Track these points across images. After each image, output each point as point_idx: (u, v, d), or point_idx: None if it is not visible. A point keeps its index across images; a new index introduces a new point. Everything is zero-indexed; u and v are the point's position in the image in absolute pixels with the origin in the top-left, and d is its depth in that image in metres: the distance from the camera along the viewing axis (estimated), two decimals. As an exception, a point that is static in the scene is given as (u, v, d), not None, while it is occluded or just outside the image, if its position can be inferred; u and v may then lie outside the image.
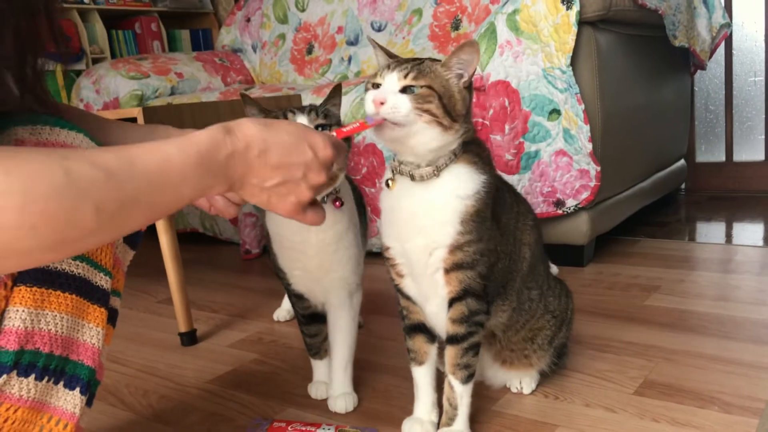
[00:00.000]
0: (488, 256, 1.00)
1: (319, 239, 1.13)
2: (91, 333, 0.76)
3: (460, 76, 0.96)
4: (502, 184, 1.08)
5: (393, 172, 1.00)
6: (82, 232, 0.58)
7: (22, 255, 0.56)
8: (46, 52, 0.78)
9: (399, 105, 0.91)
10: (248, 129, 0.73)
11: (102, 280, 0.77)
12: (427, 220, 0.98)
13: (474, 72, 0.97)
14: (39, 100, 0.77)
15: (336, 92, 1.15)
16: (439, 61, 0.97)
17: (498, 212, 1.03)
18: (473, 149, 1.00)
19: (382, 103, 0.90)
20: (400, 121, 0.91)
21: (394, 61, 0.97)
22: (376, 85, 0.95)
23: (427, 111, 0.92)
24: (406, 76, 0.92)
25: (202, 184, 0.68)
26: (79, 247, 0.60)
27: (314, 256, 1.15)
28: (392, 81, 0.93)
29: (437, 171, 0.97)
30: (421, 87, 0.92)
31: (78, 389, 0.75)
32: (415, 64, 0.94)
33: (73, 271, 0.73)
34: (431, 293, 1.03)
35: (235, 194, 0.78)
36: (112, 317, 0.85)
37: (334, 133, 0.88)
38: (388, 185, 1.01)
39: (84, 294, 0.75)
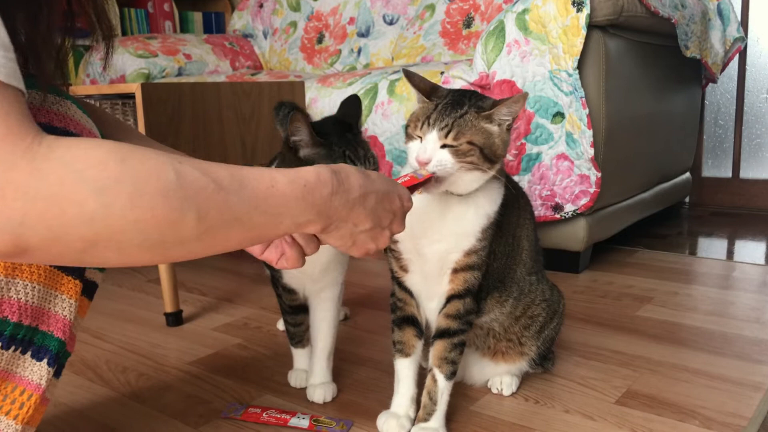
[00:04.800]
0: (488, 257, 1.04)
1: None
2: (63, 304, 0.75)
3: (504, 122, 0.96)
4: (508, 182, 1.08)
5: None
6: (180, 237, 0.58)
7: (119, 248, 0.56)
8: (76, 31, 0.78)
9: (443, 161, 0.93)
10: (351, 172, 0.74)
11: (77, 252, 0.76)
12: (453, 229, 1.01)
13: (517, 116, 0.98)
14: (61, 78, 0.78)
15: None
16: (482, 104, 0.96)
17: (503, 215, 1.05)
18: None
19: (426, 163, 0.92)
20: (446, 174, 0.93)
21: (437, 111, 0.95)
22: (417, 136, 0.96)
23: (469, 162, 0.93)
24: (446, 135, 0.93)
25: (303, 218, 0.68)
26: (173, 254, 0.60)
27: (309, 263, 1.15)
28: (433, 139, 0.93)
29: (474, 190, 1.00)
30: (461, 144, 0.93)
31: (45, 360, 0.74)
32: (456, 120, 0.94)
33: (46, 240, 0.72)
34: (436, 291, 1.05)
35: (309, 244, 0.80)
36: (88, 289, 0.84)
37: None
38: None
39: (58, 265, 0.74)
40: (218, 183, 0.60)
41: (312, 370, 1.20)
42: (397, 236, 1.04)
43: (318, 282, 1.18)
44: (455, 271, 1.02)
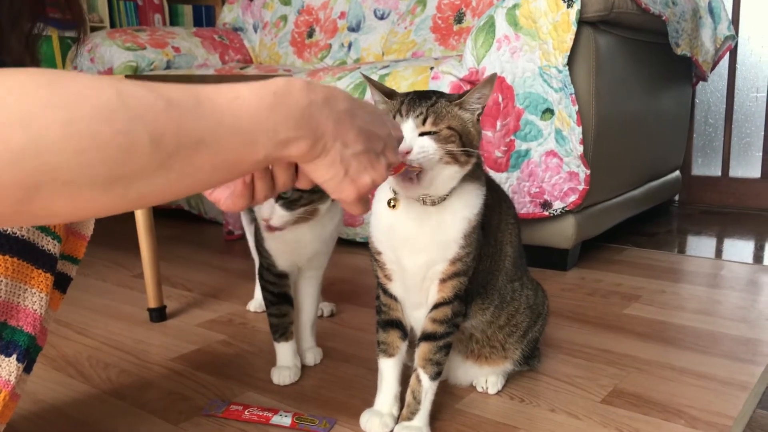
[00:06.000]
0: (473, 262, 1.01)
1: (315, 235, 1.21)
2: (34, 298, 0.73)
3: (475, 111, 0.95)
4: (489, 185, 1.06)
5: (395, 192, 0.98)
6: (139, 168, 0.48)
7: (69, 191, 0.46)
8: (48, 18, 0.75)
9: (426, 147, 0.89)
10: (329, 86, 0.64)
11: (49, 244, 0.74)
12: (434, 238, 0.98)
13: (486, 103, 0.96)
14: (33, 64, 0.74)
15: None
16: (449, 96, 0.95)
17: (485, 217, 1.03)
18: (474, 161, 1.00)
19: (408, 153, 0.88)
20: (427, 163, 0.90)
21: (405, 103, 0.92)
22: None
23: (449, 152, 0.91)
24: (423, 122, 0.91)
25: (282, 134, 0.57)
26: (137, 193, 0.50)
27: (307, 247, 1.23)
28: (410, 127, 0.90)
29: (448, 194, 0.97)
30: (442, 129, 0.91)
31: (15, 356, 0.72)
32: (430, 107, 0.91)
33: (16, 233, 0.70)
34: (422, 301, 1.03)
35: (263, 189, 0.68)
36: (60, 283, 0.82)
37: None
38: (390, 205, 0.98)
39: (27, 257, 0.72)
40: (169, 100, 0.50)
41: (302, 337, 1.31)
42: (379, 248, 1.04)
43: (307, 263, 1.27)
44: (443, 280, 1.00)
